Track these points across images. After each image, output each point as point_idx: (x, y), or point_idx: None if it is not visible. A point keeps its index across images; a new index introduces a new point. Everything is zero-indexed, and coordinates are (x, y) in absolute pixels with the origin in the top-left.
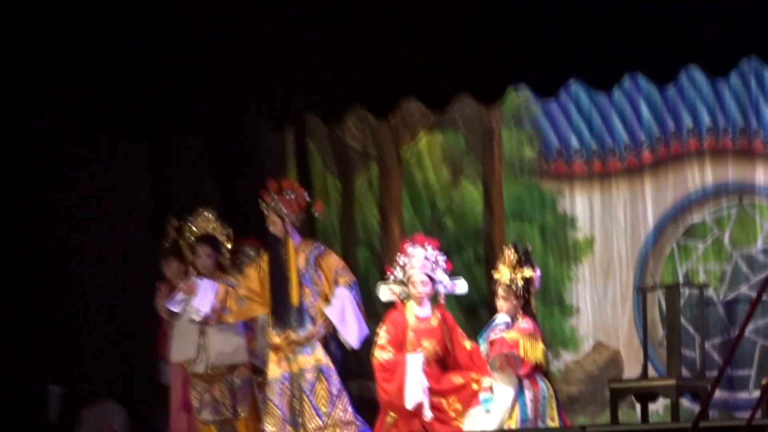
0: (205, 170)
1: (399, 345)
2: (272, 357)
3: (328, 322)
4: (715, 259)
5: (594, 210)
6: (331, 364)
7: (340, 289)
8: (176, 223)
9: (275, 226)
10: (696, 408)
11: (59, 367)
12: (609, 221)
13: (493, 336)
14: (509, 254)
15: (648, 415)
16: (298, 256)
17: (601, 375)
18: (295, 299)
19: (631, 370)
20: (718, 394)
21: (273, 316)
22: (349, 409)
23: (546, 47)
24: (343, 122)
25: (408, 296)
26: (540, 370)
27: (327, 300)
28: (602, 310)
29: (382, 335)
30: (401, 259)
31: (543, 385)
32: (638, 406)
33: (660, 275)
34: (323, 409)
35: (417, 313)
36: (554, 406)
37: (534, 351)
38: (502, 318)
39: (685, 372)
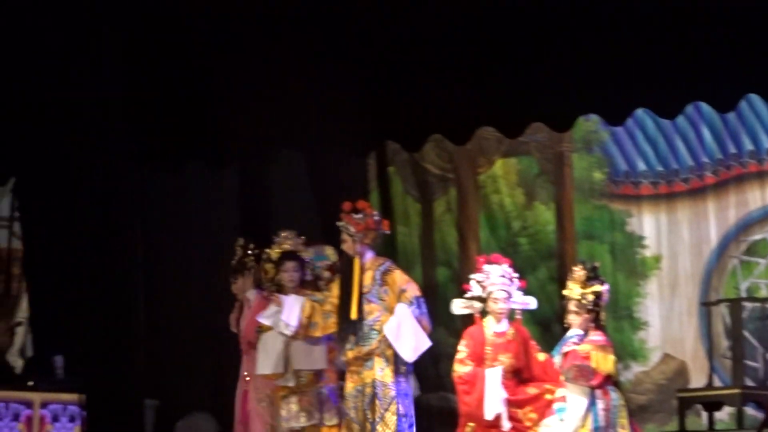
0: (294, 194)
1: (478, 359)
2: (348, 371)
3: (385, 337)
4: None
5: (660, 229)
6: (387, 380)
7: (399, 306)
8: (242, 242)
9: (346, 245)
10: (760, 415)
11: (154, 381)
12: (675, 239)
13: (566, 348)
14: (578, 271)
15: (714, 423)
16: (366, 273)
17: (669, 385)
18: (353, 314)
19: (698, 380)
20: None
21: (340, 331)
22: (392, 423)
23: (614, 78)
24: (423, 149)
25: (484, 312)
26: (611, 380)
27: None
28: (669, 323)
29: (462, 350)
30: (478, 276)
31: (614, 394)
32: (704, 414)
33: (723, 290)
34: (376, 421)
35: (494, 328)
36: (625, 414)
37: (605, 362)
38: (574, 332)
39: (748, 381)
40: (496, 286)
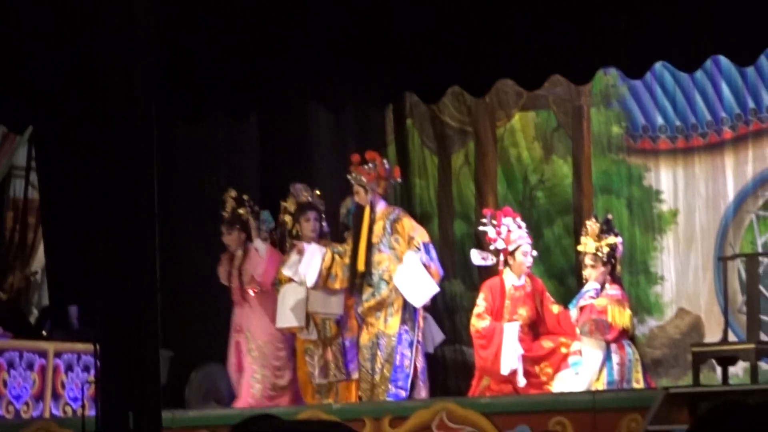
0: (312, 146)
1: (496, 313)
2: (364, 323)
3: (395, 286)
4: None
5: (678, 183)
6: (390, 331)
7: (407, 254)
8: (234, 194)
9: (358, 196)
10: None
11: (169, 332)
12: (692, 194)
13: (582, 302)
14: (592, 226)
15: (728, 377)
16: (377, 223)
17: (684, 339)
18: (360, 266)
19: (712, 334)
20: None
21: (350, 283)
22: (388, 373)
23: (634, 30)
24: (442, 102)
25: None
26: (627, 335)
27: None
28: (685, 278)
29: (480, 303)
30: (499, 229)
31: (629, 349)
32: (719, 369)
33: (739, 245)
34: (375, 371)
35: (513, 282)
36: (639, 369)
37: (621, 317)
38: (591, 285)
39: (763, 336)
40: (525, 240)
